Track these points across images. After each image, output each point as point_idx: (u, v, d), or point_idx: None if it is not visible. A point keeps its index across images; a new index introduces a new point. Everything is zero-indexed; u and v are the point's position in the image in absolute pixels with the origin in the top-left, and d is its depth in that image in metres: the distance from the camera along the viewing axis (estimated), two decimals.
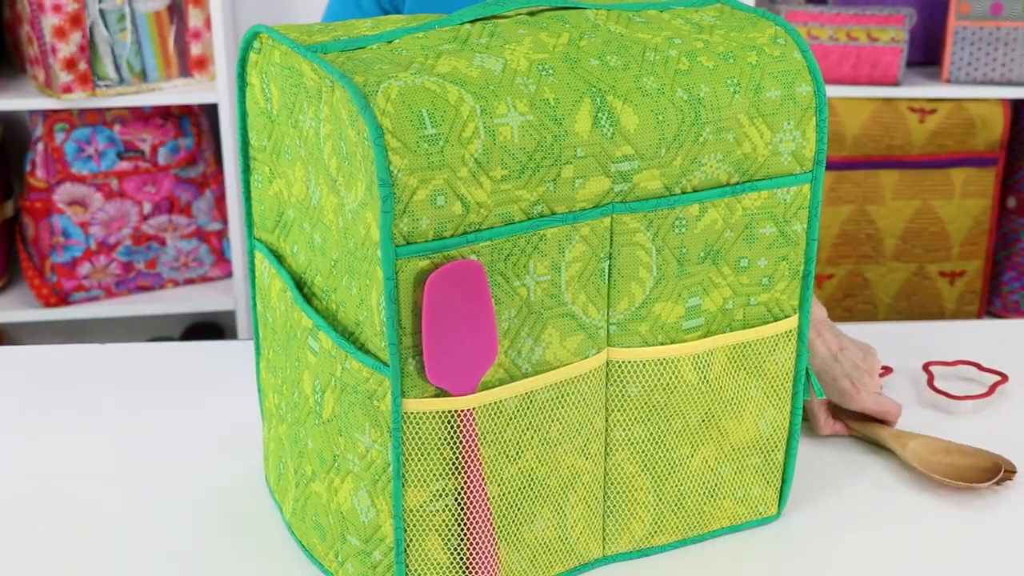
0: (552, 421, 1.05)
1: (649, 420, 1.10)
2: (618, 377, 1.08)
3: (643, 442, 1.10)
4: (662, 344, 1.08)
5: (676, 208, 1.05)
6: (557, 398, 1.04)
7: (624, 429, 1.09)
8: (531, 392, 1.03)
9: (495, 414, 1.02)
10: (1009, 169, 2.75)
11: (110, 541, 1.16)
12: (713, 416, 1.13)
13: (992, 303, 2.83)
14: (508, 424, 1.03)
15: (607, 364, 1.07)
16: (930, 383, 1.39)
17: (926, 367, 1.42)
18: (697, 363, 1.10)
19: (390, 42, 1.03)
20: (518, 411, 1.03)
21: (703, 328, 1.09)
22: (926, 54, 2.67)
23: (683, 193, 1.05)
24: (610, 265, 1.04)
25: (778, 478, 1.19)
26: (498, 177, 0.97)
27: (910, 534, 1.18)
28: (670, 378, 1.09)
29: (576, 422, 1.06)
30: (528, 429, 1.04)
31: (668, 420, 1.10)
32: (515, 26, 1.06)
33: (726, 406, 1.13)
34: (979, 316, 2.78)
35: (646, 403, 1.09)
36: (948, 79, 2.55)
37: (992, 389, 1.38)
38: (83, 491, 1.23)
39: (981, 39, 2.49)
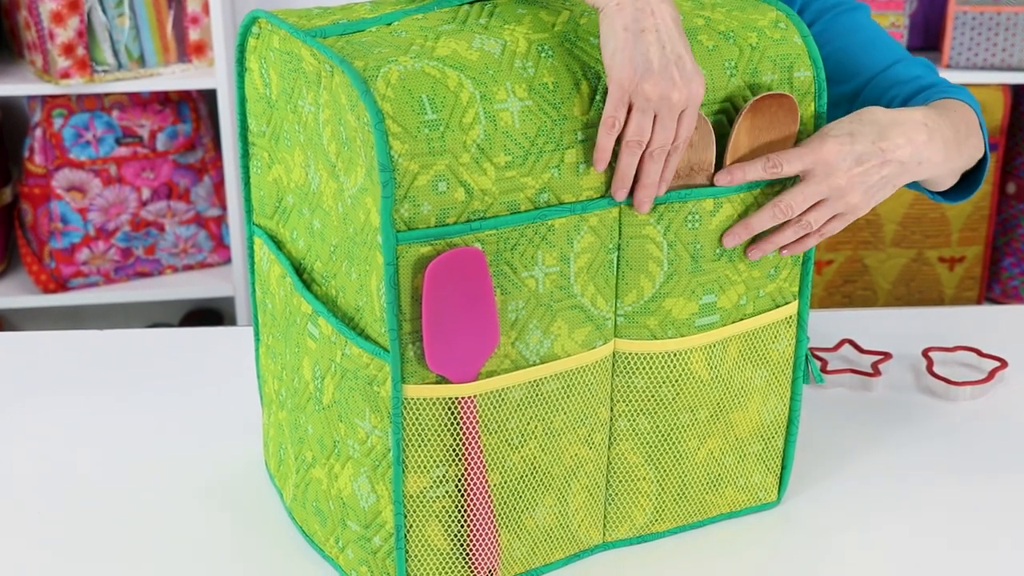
0: (557, 411, 1.05)
1: (655, 413, 1.10)
2: (624, 369, 1.07)
3: (647, 433, 1.10)
4: (671, 338, 1.08)
5: (689, 202, 1.04)
6: (562, 388, 1.04)
7: (628, 420, 1.09)
8: (536, 382, 1.03)
9: (499, 403, 1.02)
10: (1009, 155, 2.75)
11: (108, 527, 1.16)
12: (722, 409, 1.12)
13: (992, 289, 2.83)
14: (512, 413, 1.02)
15: (613, 355, 1.07)
16: (929, 369, 1.39)
17: (926, 353, 1.42)
18: (708, 358, 1.09)
19: (389, 24, 1.02)
20: (523, 401, 1.03)
21: (718, 326, 1.09)
22: (926, 39, 2.66)
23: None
24: (618, 256, 1.04)
25: (778, 464, 1.19)
26: (502, 164, 0.96)
27: (908, 519, 1.18)
28: (680, 372, 1.09)
29: (581, 412, 1.06)
30: (532, 419, 1.04)
31: (676, 414, 1.10)
32: (515, 5, 1.05)
33: (734, 398, 1.13)
34: (978, 302, 2.78)
35: (653, 396, 1.09)
36: (948, 64, 2.54)
37: (991, 375, 1.38)
38: (82, 477, 1.23)
39: (981, 24, 2.48)
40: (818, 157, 1.05)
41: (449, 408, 1.00)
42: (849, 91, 1.30)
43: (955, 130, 1.14)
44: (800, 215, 1.07)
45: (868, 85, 1.29)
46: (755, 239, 1.08)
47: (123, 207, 2.55)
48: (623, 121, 0.98)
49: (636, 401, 1.09)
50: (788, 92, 1.07)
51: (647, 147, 0.99)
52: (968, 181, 1.26)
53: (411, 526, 1.02)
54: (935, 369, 1.44)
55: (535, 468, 1.06)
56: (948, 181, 1.19)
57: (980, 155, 1.20)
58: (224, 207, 2.64)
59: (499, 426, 1.02)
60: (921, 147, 1.09)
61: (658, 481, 1.13)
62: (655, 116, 0.98)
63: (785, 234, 1.07)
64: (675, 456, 1.12)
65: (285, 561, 1.12)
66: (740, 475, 1.17)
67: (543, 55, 1.00)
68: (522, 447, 1.04)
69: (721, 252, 1.07)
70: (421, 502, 1.02)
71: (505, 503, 1.05)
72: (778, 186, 1.08)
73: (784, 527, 1.17)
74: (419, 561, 1.04)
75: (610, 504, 1.12)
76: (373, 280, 0.97)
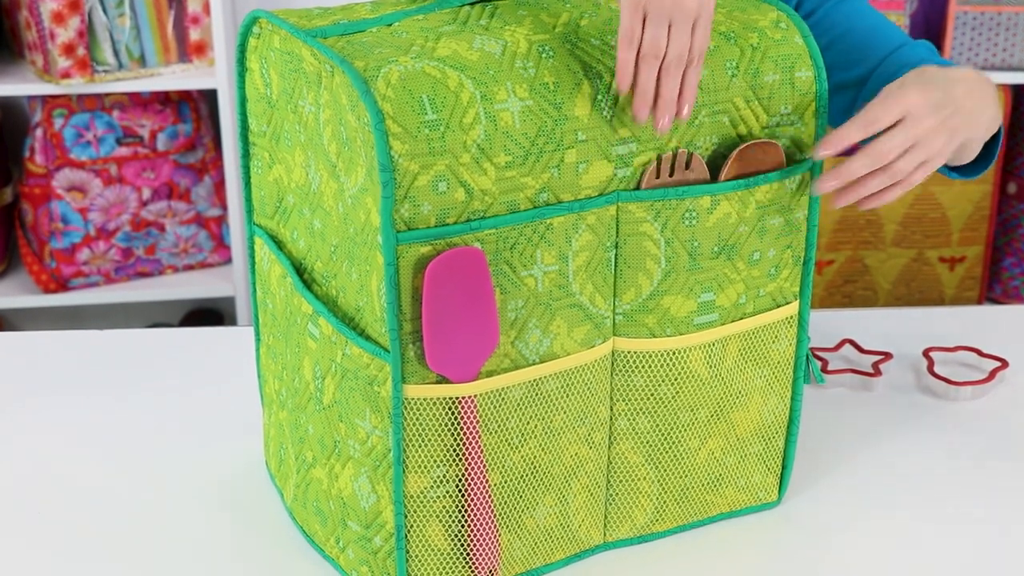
0: (556, 410, 1.05)
1: (655, 412, 1.10)
2: (623, 367, 1.08)
3: (648, 433, 1.10)
4: (670, 337, 1.08)
5: (685, 200, 1.04)
6: (562, 388, 1.04)
7: (628, 419, 1.09)
8: (536, 381, 1.03)
9: (499, 402, 1.02)
10: (1010, 155, 2.75)
11: (108, 526, 1.16)
12: (723, 409, 1.12)
13: (992, 289, 2.82)
14: (512, 412, 1.03)
15: (612, 354, 1.07)
16: (930, 369, 1.39)
17: (926, 353, 1.42)
18: (708, 357, 1.09)
19: (390, 25, 1.03)
20: (523, 400, 1.03)
21: (717, 325, 1.09)
22: (927, 39, 2.66)
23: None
24: (616, 254, 1.04)
25: (779, 464, 1.19)
26: (502, 164, 0.96)
27: (908, 519, 1.18)
28: (679, 371, 1.09)
29: (580, 411, 1.06)
30: (532, 418, 1.04)
31: (676, 413, 1.10)
32: (515, 7, 1.05)
33: (734, 398, 1.13)
34: (979, 302, 2.78)
35: (652, 395, 1.09)
36: None
37: (992, 375, 1.38)
38: (82, 476, 1.23)
39: (982, 24, 2.48)
40: (905, 105, 1.07)
41: (449, 408, 1.00)
42: (856, 77, 1.31)
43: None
44: (889, 163, 1.08)
45: (877, 68, 1.30)
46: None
47: (123, 207, 2.55)
48: (640, 35, 0.98)
49: (636, 400, 1.09)
50: (790, 91, 1.07)
51: (663, 59, 0.99)
52: (981, 155, 1.27)
53: (411, 526, 1.02)
54: (936, 369, 1.44)
55: (535, 468, 1.06)
56: (976, 149, 1.20)
57: (998, 126, 1.22)
58: (224, 207, 2.64)
59: (499, 426, 1.02)
60: (977, 99, 1.12)
61: (659, 481, 1.13)
62: (669, 27, 0.98)
63: (875, 181, 1.08)
64: (676, 456, 1.12)
65: (285, 561, 1.12)
66: (741, 475, 1.17)
67: (544, 55, 1.00)
68: (522, 447, 1.04)
69: (719, 250, 1.07)
70: (421, 502, 1.02)
71: (505, 503, 1.05)
72: (775, 183, 1.08)
73: (784, 527, 1.17)
74: (420, 561, 1.04)
75: (611, 504, 1.12)
76: (373, 280, 0.97)
